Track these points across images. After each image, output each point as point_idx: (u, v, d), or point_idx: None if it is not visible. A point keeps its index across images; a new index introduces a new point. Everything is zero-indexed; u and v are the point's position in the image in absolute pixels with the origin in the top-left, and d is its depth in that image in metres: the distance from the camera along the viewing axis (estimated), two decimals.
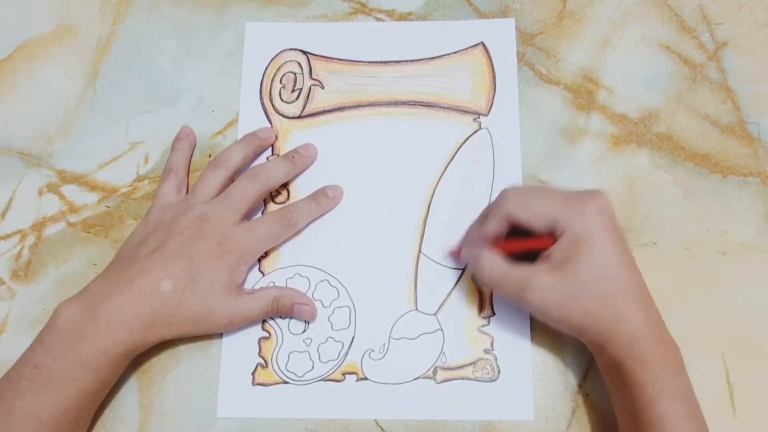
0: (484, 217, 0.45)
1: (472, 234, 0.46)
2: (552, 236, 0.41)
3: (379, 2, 0.55)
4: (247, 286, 0.48)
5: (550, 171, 0.50)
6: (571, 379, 0.46)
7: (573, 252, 0.40)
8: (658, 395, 0.38)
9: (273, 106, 0.53)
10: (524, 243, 0.43)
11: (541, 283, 0.41)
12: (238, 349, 0.47)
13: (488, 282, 0.43)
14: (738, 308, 0.46)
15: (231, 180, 0.49)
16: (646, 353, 0.39)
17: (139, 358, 0.46)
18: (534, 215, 0.42)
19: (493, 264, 0.43)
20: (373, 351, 0.47)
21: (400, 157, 0.51)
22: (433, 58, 0.53)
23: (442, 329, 0.47)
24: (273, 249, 0.49)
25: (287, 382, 0.46)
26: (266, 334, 0.47)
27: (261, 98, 0.53)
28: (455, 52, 0.53)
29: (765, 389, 0.45)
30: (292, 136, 0.52)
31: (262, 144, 0.51)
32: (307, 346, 0.47)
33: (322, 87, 0.53)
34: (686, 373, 0.40)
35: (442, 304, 0.48)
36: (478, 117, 0.52)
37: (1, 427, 0.40)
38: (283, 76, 0.53)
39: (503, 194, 0.44)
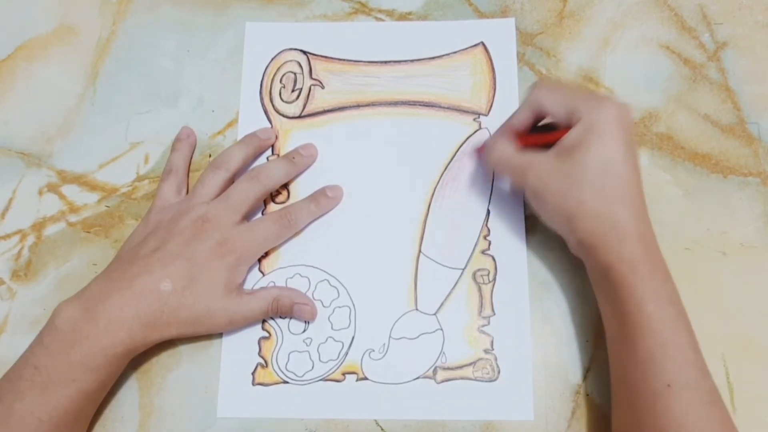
0: (515, 111, 0.46)
1: (500, 127, 0.46)
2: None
3: (379, 2, 0.55)
4: (247, 286, 0.48)
5: None
6: (571, 379, 0.46)
7: (583, 139, 0.40)
8: (647, 297, 0.38)
9: (273, 106, 0.53)
10: (544, 136, 0.43)
11: (544, 166, 0.41)
12: (238, 349, 0.47)
13: (496, 163, 0.44)
14: (738, 308, 0.46)
15: (231, 181, 0.49)
16: (636, 255, 0.39)
17: (139, 358, 0.46)
18: (557, 103, 0.42)
19: (505, 148, 0.44)
20: (373, 351, 0.47)
21: (400, 157, 0.51)
22: (433, 58, 0.53)
23: (442, 329, 0.47)
24: (273, 249, 0.49)
25: (287, 382, 0.46)
26: (266, 334, 0.47)
27: (261, 98, 0.53)
28: (455, 52, 0.53)
29: (765, 389, 0.45)
30: (292, 136, 0.52)
31: (262, 144, 0.51)
32: (307, 346, 0.47)
33: (322, 87, 0.53)
34: (672, 278, 0.40)
35: (442, 304, 0.48)
36: (478, 117, 0.52)
37: (1, 428, 0.40)
38: (283, 76, 0.53)
39: (535, 84, 0.44)
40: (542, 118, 0.44)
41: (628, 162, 0.40)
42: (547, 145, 0.43)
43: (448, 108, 0.52)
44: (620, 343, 0.40)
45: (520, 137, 0.45)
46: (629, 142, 0.41)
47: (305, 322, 0.47)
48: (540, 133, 0.44)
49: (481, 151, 0.48)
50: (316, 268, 0.49)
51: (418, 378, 0.46)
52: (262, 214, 0.50)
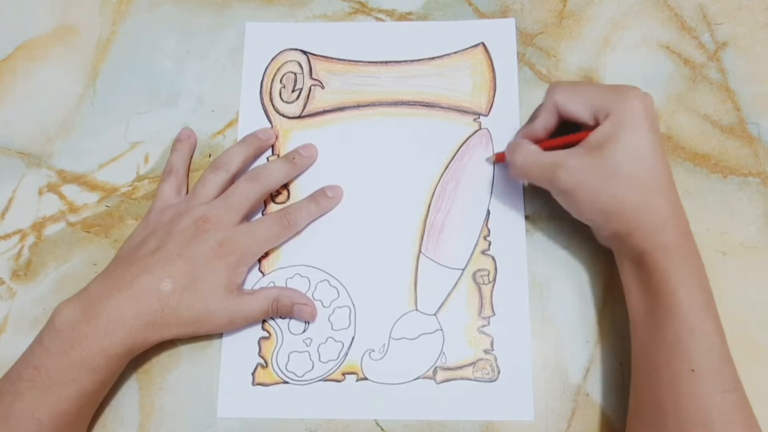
0: (533, 116, 0.46)
1: (519, 132, 0.46)
2: (594, 129, 0.42)
3: (379, 2, 0.55)
4: (248, 286, 0.48)
5: None
6: (571, 379, 0.46)
7: (613, 132, 0.40)
8: (680, 282, 0.39)
9: (273, 106, 0.53)
10: (567, 137, 0.43)
11: (574, 163, 0.41)
12: (238, 349, 0.47)
13: (522, 165, 0.44)
14: (738, 308, 0.46)
15: (231, 181, 0.49)
16: (671, 242, 0.40)
17: (139, 358, 0.46)
18: (581, 103, 0.42)
19: (528, 149, 0.44)
20: (373, 351, 0.47)
21: (400, 157, 0.51)
22: (434, 58, 0.53)
23: (442, 329, 0.47)
24: (273, 249, 0.49)
25: (287, 382, 0.46)
26: (266, 334, 0.47)
27: (261, 98, 0.53)
28: (455, 53, 0.53)
29: (765, 389, 0.45)
30: (292, 136, 0.52)
31: (262, 145, 0.51)
32: (307, 346, 0.47)
33: (323, 87, 0.53)
34: (704, 266, 0.40)
35: (442, 304, 0.48)
36: (479, 117, 0.52)
37: (1, 428, 0.40)
38: (283, 76, 0.53)
39: (551, 87, 0.44)
40: (564, 120, 0.44)
41: (659, 152, 0.41)
42: (569, 146, 0.43)
43: (448, 108, 0.52)
44: (647, 327, 0.40)
45: (541, 142, 0.45)
46: (656, 131, 0.41)
47: (305, 322, 0.47)
48: (561, 136, 0.44)
49: (501, 158, 0.48)
50: (316, 268, 0.49)
51: (418, 378, 0.46)
52: (262, 214, 0.50)
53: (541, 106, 0.45)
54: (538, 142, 0.45)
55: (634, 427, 0.40)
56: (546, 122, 0.44)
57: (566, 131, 0.44)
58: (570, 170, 0.41)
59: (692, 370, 0.37)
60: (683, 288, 0.39)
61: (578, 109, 0.43)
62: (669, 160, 0.42)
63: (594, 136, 0.41)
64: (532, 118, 0.46)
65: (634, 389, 0.41)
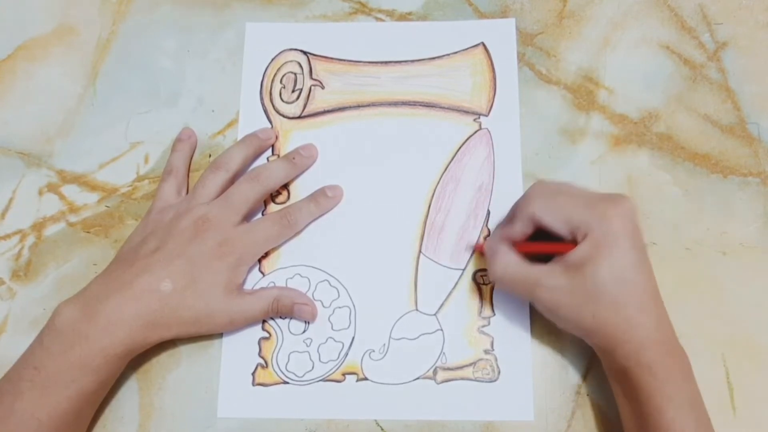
0: (511, 216, 0.45)
1: (497, 232, 0.45)
2: (573, 243, 0.41)
3: (379, 2, 0.55)
4: (248, 286, 0.48)
5: (550, 171, 0.50)
6: (571, 380, 0.46)
7: (592, 255, 0.39)
8: (666, 403, 0.38)
9: (273, 106, 0.53)
10: (545, 246, 0.43)
11: (554, 283, 0.41)
12: (238, 349, 0.47)
13: (502, 277, 0.43)
14: (738, 308, 0.46)
15: (231, 181, 0.49)
16: (655, 361, 0.39)
17: (139, 358, 0.46)
18: (558, 219, 0.41)
19: (509, 260, 0.43)
20: (373, 351, 0.47)
21: (400, 158, 0.51)
22: (434, 58, 0.53)
23: (442, 329, 0.47)
24: (273, 249, 0.49)
25: (287, 383, 0.46)
26: (266, 335, 0.47)
27: (261, 98, 0.53)
28: (455, 53, 0.53)
29: (765, 389, 0.45)
30: (292, 137, 0.52)
31: (262, 145, 0.51)
32: (307, 346, 0.47)
33: (323, 87, 0.53)
34: (694, 380, 0.40)
35: (443, 304, 0.48)
36: (479, 117, 0.52)
37: (1, 428, 0.40)
38: (283, 76, 0.53)
39: (530, 194, 0.43)
40: (539, 228, 0.43)
41: (642, 269, 0.40)
42: (550, 254, 0.42)
43: (448, 108, 0.52)
44: None
45: (520, 246, 0.43)
46: (639, 247, 0.40)
47: (305, 322, 0.47)
48: (539, 241, 0.43)
49: (480, 249, 0.47)
50: (317, 268, 0.49)
51: (418, 378, 0.46)
52: (263, 214, 0.50)
53: (518, 209, 0.43)
54: (516, 244, 0.44)
55: None
56: (522, 230, 0.43)
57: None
58: (549, 290, 0.41)
59: None
60: (671, 408, 0.38)
61: (556, 224, 0.41)
62: (652, 272, 0.41)
63: (573, 256, 0.40)
64: (510, 218, 0.44)
65: None
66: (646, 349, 0.39)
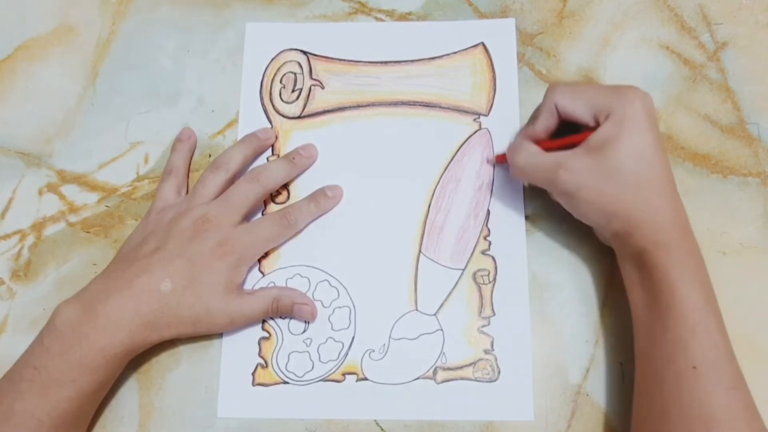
0: (534, 115, 0.46)
1: (520, 133, 0.46)
2: (595, 129, 0.42)
3: (379, 2, 0.55)
4: (248, 286, 0.48)
5: None
6: (571, 379, 0.46)
7: (615, 133, 0.40)
8: (680, 280, 0.39)
9: (273, 106, 0.53)
10: (568, 139, 0.43)
11: (577, 165, 0.41)
12: (238, 349, 0.47)
13: (524, 166, 0.44)
14: (738, 308, 0.46)
15: (231, 181, 0.49)
16: (672, 241, 0.40)
17: (139, 358, 0.46)
18: (581, 104, 0.42)
19: (530, 150, 0.44)
20: (373, 351, 0.47)
21: (400, 158, 0.51)
22: (434, 58, 0.53)
23: (442, 329, 0.47)
24: (273, 249, 0.49)
25: (287, 383, 0.46)
26: (266, 335, 0.47)
27: (261, 98, 0.53)
28: (455, 53, 0.53)
29: (765, 389, 0.45)
30: (292, 137, 0.52)
31: (262, 145, 0.51)
32: (307, 346, 0.47)
33: (323, 87, 0.53)
34: (705, 265, 0.41)
35: (442, 304, 0.48)
36: (479, 117, 0.52)
37: (1, 428, 0.40)
38: (283, 76, 0.53)
39: (551, 88, 0.44)
40: (563, 121, 0.44)
41: (660, 152, 0.41)
42: (569, 147, 0.43)
43: (448, 108, 0.52)
44: (649, 325, 0.40)
45: (542, 143, 0.45)
46: (657, 131, 0.42)
47: (305, 322, 0.47)
48: (562, 137, 0.44)
49: (502, 159, 0.48)
50: (316, 268, 0.49)
51: (418, 378, 0.46)
52: (262, 214, 0.50)
53: (541, 105, 0.45)
54: (538, 143, 0.45)
55: (638, 425, 0.40)
56: (546, 123, 0.44)
57: (567, 132, 0.44)
58: (571, 171, 0.41)
59: (694, 368, 0.38)
60: (684, 286, 0.39)
61: (579, 110, 0.43)
62: (669, 160, 0.42)
63: (595, 137, 0.41)
64: (533, 119, 0.46)
65: (638, 388, 0.41)
66: (664, 230, 0.40)
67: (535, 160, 0.44)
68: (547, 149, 0.44)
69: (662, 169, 0.41)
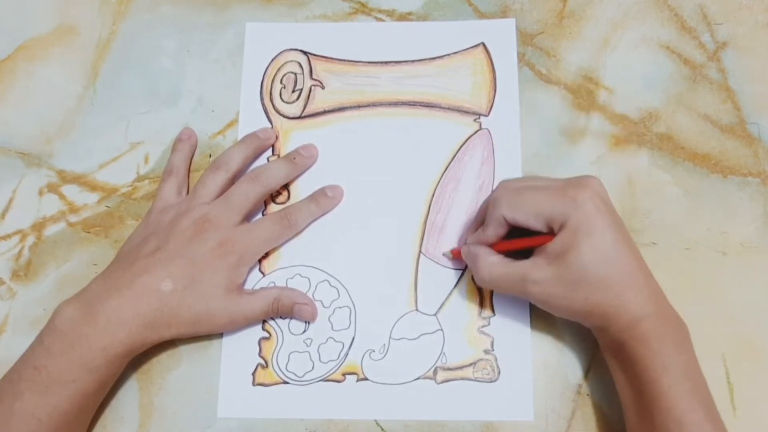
0: (481, 221, 0.45)
1: (472, 238, 0.46)
2: (550, 234, 0.41)
3: (379, 2, 0.55)
4: (248, 286, 0.48)
5: (550, 171, 0.50)
6: (571, 379, 0.46)
7: (573, 242, 0.40)
8: (661, 372, 0.38)
9: (273, 106, 0.53)
10: (523, 242, 0.43)
11: (541, 276, 0.41)
12: (238, 349, 0.47)
13: (489, 280, 0.43)
14: (738, 308, 0.46)
15: (231, 181, 0.49)
16: (648, 333, 0.39)
17: (139, 358, 0.46)
18: (530, 215, 0.42)
19: (492, 263, 0.43)
20: (374, 351, 0.47)
21: (400, 158, 0.51)
22: (434, 58, 0.53)
23: (442, 329, 0.47)
24: (273, 249, 0.49)
25: (287, 383, 0.46)
26: (266, 335, 0.47)
27: (261, 98, 0.53)
28: (455, 53, 0.53)
29: (765, 389, 0.45)
30: (292, 137, 0.52)
31: (262, 144, 0.51)
32: (307, 346, 0.47)
33: (323, 87, 0.53)
34: (691, 349, 0.40)
35: (443, 304, 0.48)
36: (479, 117, 0.52)
37: (1, 428, 0.40)
38: (283, 76, 0.53)
39: (495, 197, 0.43)
40: (513, 226, 0.43)
41: (623, 246, 0.40)
42: (531, 248, 0.42)
43: (448, 108, 0.52)
44: (636, 413, 0.40)
45: (496, 245, 0.44)
46: (617, 224, 0.41)
47: (305, 322, 0.47)
48: (516, 238, 0.43)
49: (457, 255, 0.47)
50: (317, 268, 0.49)
51: (418, 378, 0.46)
52: (263, 214, 0.50)
53: (488, 214, 0.44)
54: (493, 245, 0.44)
55: None
56: (497, 232, 0.43)
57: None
58: (538, 284, 0.41)
59: None
60: (665, 376, 0.38)
61: (529, 221, 0.42)
62: (632, 239, 0.41)
63: (554, 247, 0.40)
64: (484, 226, 0.44)
65: None
66: (639, 321, 0.39)
67: (499, 272, 0.43)
68: (503, 251, 0.43)
69: (628, 261, 0.40)
